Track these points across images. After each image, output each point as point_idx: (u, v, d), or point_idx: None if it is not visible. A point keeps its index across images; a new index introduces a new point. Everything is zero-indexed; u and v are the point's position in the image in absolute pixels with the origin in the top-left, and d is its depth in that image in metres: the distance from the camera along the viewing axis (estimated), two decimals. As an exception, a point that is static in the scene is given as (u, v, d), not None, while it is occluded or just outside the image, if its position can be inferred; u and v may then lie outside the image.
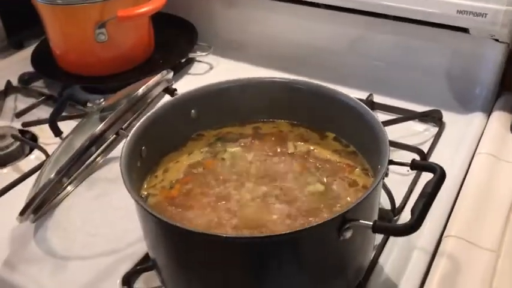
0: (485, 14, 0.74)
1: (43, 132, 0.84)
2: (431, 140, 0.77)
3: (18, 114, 0.89)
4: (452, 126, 0.80)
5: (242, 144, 0.63)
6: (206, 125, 0.65)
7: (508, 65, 0.82)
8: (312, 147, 0.62)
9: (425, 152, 0.73)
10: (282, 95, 0.64)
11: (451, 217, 0.63)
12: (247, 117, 0.66)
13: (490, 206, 0.64)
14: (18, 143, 0.82)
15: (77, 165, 0.57)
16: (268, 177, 0.57)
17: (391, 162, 0.50)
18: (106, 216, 0.68)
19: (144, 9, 0.86)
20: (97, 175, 0.76)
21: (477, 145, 0.74)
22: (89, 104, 0.71)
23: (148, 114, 0.57)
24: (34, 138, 0.85)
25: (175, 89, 0.64)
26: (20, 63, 1.01)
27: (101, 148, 0.62)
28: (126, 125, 0.60)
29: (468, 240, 0.59)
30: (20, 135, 0.84)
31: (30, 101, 0.93)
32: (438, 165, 0.48)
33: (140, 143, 0.56)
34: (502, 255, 0.57)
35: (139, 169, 0.57)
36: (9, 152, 0.81)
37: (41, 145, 0.80)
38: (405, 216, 0.65)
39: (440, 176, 0.46)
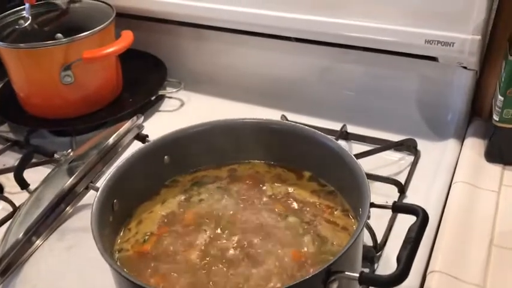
0: (453, 43, 0.74)
1: (10, 181, 0.81)
2: (408, 169, 0.77)
3: (-18, 163, 0.86)
4: (427, 154, 0.80)
5: (218, 188, 0.62)
6: (180, 170, 0.63)
7: (478, 91, 0.83)
8: (290, 189, 0.60)
9: (403, 183, 0.73)
10: (256, 136, 0.63)
11: (433, 251, 0.62)
12: (222, 160, 0.64)
13: (471, 237, 0.63)
14: (-18, 194, 0.78)
15: (47, 223, 0.54)
16: (250, 227, 0.55)
17: (372, 205, 0.49)
18: (79, 269, 0.65)
19: (110, 49, 0.84)
20: (67, 225, 0.73)
21: (453, 173, 0.74)
22: (56, 156, 0.68)
23: (119, 165, 0.55)
24: (0, 187, 0.81)
25: (147, 135, 0.62)
26: (-19, 107, 0.98)
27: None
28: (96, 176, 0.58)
29: (453, 275, 0.58)
30: (-16, 185, 0.80)
31: (-5, 147, 0.90)
32: (420, 208, 0.47)
33: (112, 196, 0.54)
34: (488, 290, 0.57)
35: (112, 223, 0.54)
36: (-28, 203, 0.77)
37: (7, 195, 0.77)
38: (388, 252, 0.64)
39: (423, 219, 0.46)
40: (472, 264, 0.60)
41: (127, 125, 0.60)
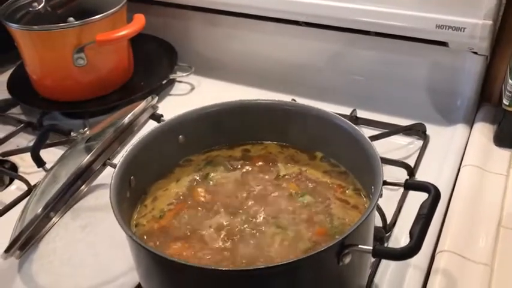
0: (464, 28, 0.75)
1: (24, 161, 0.82)
2: (417, 153, 0.78)
3: (-4, 144, 0.87)
4: (436, 139, 0.81)
5: (232, 168, 0.63)
6: (194, 149, 0.64)
7: (487, 76, 0.83)
8: (303, 169, 0.61)
9: (412, 166, 0.73)
10: (270, 117, 0.63)
11: (442, 232, 0.63)
12: (235, 140, 0.65)
13: (480, 219, 0.64)
14: (-3, 173, 0.79)
15: (64, 199, 0.55)
16: (263, 203, 0.56)
17: (385, 182, 0.50)
18: (94, 247, 0.66)
19: (123, 32, 0.85)
20: (82, 203, 0.74)
21: (462, 157, 0.75)
22: (72, 134, 0.69)
23: (136, 142, 0.56)
24: (14, 167, 0.83)
25: (162, 115, 0.63)
26: (-5, 89, 0.99)
27: (87, 178, 0.61)
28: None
29: (461, 255, 0.59)
30: (-2, 165, 0.81)
31: (8, 128, 0.91)
32: (432, 185, 0.48)
33: (129, 172, 0.55)
34: (496, 269, 0.58)
35: (129, 199, 0.55)
36: (-13, 183, 0.79)
37: (22, 175, 0.78)
38: (397, 233, 0.65)
39: (435, 196, 0.47)
40: (480, 244, 0.61)
41: (142, 104, 0.61)
